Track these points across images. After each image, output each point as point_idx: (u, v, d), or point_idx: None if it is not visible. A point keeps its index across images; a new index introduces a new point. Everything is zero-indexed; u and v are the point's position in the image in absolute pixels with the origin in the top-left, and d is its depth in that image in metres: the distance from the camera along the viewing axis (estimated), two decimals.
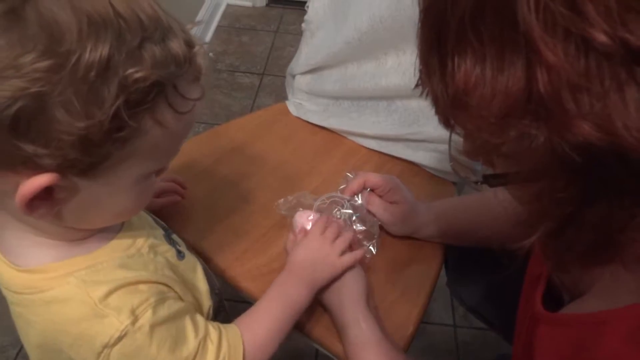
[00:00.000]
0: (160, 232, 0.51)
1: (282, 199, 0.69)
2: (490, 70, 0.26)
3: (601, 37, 0.22)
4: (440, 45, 0.28)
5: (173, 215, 0.69)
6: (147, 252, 0.45)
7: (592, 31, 0.22)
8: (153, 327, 0.40)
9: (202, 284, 0.52)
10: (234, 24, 2.08)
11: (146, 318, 0.40)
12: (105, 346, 0.38)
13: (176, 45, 0.34)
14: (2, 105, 0.28)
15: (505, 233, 0.40)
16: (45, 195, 0.33)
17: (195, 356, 0.44)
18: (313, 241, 0.59)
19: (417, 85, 0.34)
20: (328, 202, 0.68)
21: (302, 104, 0.92)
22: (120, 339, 0.39)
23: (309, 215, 0.64)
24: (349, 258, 0.58)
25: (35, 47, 0.28)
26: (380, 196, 0.68)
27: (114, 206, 0.39)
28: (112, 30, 0.30)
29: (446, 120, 0.33)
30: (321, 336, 0.61)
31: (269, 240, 0.70)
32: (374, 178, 0.68)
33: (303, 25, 0.91)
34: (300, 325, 0.61)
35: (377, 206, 0.67)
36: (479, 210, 0.67)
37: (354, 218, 0.67)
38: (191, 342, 0.44)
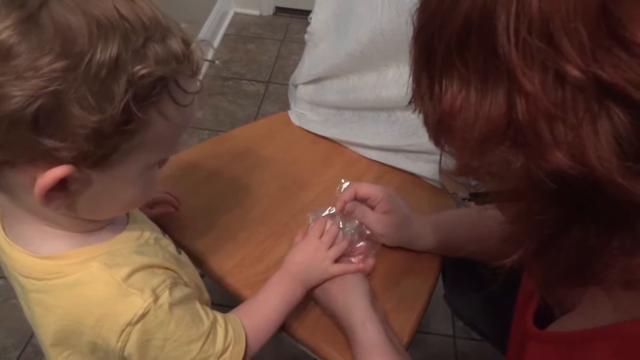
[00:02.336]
0: (159, 229, 0.54)
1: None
2: (475, 95, 0.27)
3: (574, 72, 0.23)
4: (430, 67, 0.29)
5: (172, 221, 0.70)
6: (154, 244, 0.49)
7: (566, 66, 0.23)
8: (172, 306, 0.43)
9: (199, 277, 0.55)
10: (241, 32, 2.10)
11: (165, 297, 0.43)
12: (129, 324, 0.40)
13: (175, 44, 0.37)
14: (25, 104, 0.31)
15: (494, 249, 0.41)
16: (61, 187, 0.36)
17: (207, 336, 0.46)
18: (310, 245, 0.63)
19: (410, 102, 0.35)
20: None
21: (304, 113, 0.94)
22: (143, 316, 0.41)
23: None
24: (341, 268, 0.61)
25: (51, 49, 0.31)
26: (372, 207, 0.68)
27: (123, 197, 0.42)
28: (119, 31, 0.34)
29: (436, 138, 0.33)
30: (317, 345, 0.61)
31: (267, 248, 0.70)
32: (365, 188, 0.67)
33: (306, 36, 0.92)
34: (297, 334, 0.62)
35: (369, 218, 0.67)
36: (472, 224, 0.67)
37: (353, 232, 0.68)
38: (205, 323, 0.47)
